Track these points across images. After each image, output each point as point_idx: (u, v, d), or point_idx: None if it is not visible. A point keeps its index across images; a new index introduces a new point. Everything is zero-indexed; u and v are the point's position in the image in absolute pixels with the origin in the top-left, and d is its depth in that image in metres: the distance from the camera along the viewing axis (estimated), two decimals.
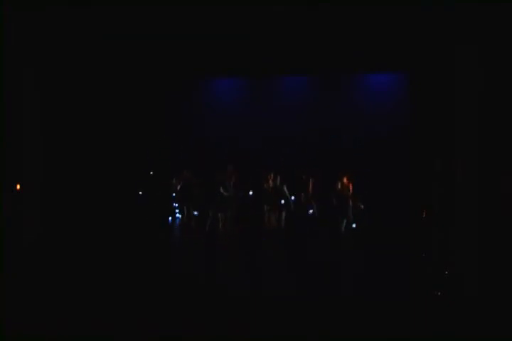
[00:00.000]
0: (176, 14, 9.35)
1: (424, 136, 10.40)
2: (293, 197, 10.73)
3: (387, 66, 10.97)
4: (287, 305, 6.45)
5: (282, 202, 10.36)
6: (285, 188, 10.38)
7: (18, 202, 9.19)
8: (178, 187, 11.11)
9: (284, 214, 10.43)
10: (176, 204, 11.43)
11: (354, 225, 10.41)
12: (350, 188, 10.39)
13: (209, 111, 12.19)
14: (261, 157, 11.52)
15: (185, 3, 8.76)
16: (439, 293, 6.84)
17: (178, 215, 11.50)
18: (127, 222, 10.58)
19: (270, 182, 10.43)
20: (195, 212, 10.75)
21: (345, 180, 10.37)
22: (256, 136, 11.84)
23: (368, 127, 11.36)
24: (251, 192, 10.62)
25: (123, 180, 11.48)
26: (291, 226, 10.56)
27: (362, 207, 10.55)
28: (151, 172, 11.46)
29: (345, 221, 10.38)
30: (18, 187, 9.26)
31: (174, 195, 11.31)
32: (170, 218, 11.37)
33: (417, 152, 10.51)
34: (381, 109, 11.36)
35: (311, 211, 10.80)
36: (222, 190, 10.50)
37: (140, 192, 11.34)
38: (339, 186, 10.30)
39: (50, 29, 9.44)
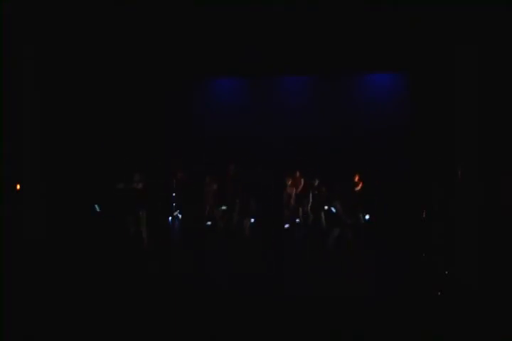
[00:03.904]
0: (176, 14, 9.37)
1: (425, 136, 10.41)
2: None
3: (387, 66, 10.97)
4: (287, 305, 6.46)
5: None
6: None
7: (18, 202, 9.20)
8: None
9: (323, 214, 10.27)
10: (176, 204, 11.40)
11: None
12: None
13: (209, 111, 12.18)
14: (260, 157, 11.50)
15: (185, 3, 8.77)
16: (439, 293, 6.84)
17: (178, 215, 11.48)
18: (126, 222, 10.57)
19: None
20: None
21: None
22: (255, 136, 11.82)
23: (367, 127, 11.35)
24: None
25: (122, 180, 11.45)
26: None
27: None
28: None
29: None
30: (18, 187, 9.27)
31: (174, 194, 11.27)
32: (170, 218, 11.34)
33: (417, 152, 10.51)
34: (381, 109, 11.35)
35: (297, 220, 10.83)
36: None
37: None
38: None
39: (50, 28, 9.47)
